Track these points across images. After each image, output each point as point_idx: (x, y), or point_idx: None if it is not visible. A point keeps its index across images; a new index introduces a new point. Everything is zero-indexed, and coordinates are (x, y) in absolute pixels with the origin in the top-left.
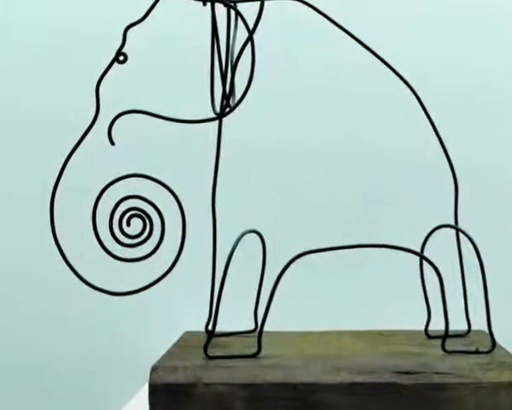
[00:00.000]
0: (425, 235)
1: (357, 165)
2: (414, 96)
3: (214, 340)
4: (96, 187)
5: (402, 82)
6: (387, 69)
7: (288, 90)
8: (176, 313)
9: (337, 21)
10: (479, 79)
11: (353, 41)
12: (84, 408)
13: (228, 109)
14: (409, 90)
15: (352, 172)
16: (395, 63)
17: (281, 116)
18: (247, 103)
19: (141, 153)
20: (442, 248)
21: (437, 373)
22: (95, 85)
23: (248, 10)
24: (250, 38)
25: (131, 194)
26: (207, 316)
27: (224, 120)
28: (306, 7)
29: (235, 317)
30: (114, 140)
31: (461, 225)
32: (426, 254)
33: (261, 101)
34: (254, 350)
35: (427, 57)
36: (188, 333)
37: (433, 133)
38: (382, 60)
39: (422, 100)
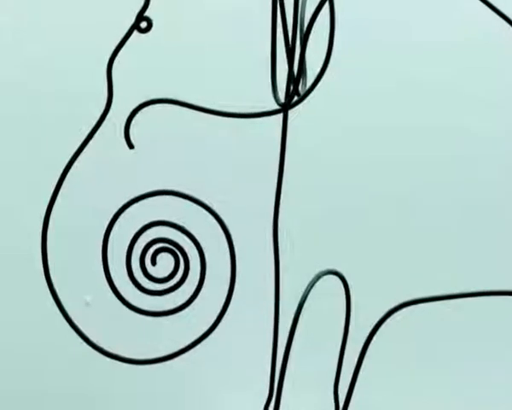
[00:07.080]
0: None
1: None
2: None
3: None
4: (109, 209)
5: None
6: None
7: (378, 71)
8: (221, 390)
9: None
10: None
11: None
12: None
13: (296, 98)
14: None
15: (463, 196)
16: None
17: (368, 108)
18: (322, 89)
19: (170, 161)
20: None
21: None
22: (106, 64)
23: None
24: None
25: (158, 219)
26: (267, 396)
27: (290, 112)
28: None
29: (307, 396)
30: (134, 142)
31: None
32: None
33: (342, 86)
34: None
35: None
36: None
37: None
38: None
39: None
